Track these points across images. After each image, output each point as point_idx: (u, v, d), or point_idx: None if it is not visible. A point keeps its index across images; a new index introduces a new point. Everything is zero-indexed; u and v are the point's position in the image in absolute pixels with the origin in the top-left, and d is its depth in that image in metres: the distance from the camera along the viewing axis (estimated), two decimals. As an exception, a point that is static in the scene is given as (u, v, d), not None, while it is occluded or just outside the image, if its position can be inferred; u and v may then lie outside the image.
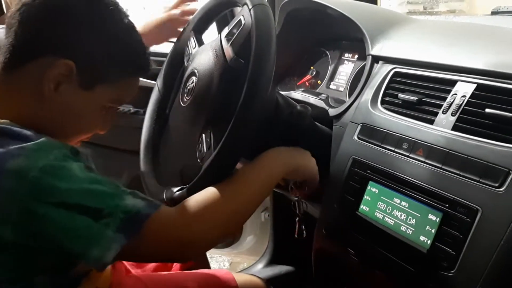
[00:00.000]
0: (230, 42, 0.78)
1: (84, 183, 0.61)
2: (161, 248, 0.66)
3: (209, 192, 0.70)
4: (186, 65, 0.93)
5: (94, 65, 0.68)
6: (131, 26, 0.73)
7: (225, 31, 0.83)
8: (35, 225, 0.58)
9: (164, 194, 0.79)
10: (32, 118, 0.66)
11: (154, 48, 1.53)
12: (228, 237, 0.76)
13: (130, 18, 0.73)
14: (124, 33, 0.71)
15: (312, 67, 1.20)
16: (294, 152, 0.82)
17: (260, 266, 1.60)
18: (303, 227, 0.90)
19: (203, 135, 0.78)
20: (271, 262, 1.58)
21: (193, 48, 0.94)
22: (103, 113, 0.73)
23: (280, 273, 1.52)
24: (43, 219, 0.58)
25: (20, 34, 0.65)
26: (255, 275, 1.09)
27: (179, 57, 0.97)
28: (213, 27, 1.02)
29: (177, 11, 1.15)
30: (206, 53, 0.86)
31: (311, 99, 1.05)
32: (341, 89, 1.10)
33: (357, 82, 0.98)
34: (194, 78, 0.86)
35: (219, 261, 2.09)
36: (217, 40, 0.84)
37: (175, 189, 0.78)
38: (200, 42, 0.95)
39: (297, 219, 0.91)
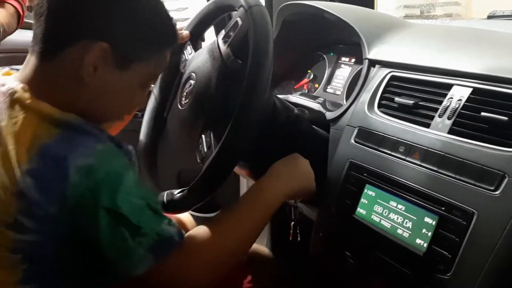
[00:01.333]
0: (227, 43, 0.79)
1: (135, 197, 0.64)
2: (174, 278, 0.69)
3: (214, 232, 0.73)
4: (182, 71, 0.94)
5: (127, 44, 0.67)
6: None
7: (222, 33, 0.83)
8: (82, 221, 0.61)
9: (165, 197, 0.79)
10: (75, 104, 0.66)
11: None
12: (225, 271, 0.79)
13: None
14: (152, 7, 0.70)
15: (309, 71, 1.21)
16: (292, 173, 0.83)
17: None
18: (298, 231, 0.90)
19: (203, 136, 0.78)
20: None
21: (190, 54, 0.94)
22: (141, 91, 0.73)
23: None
24: (92, 218, 0.60)
25: (51, 22, 0.65)
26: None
27: (175, 64, 0.97)
28: (212, 34, 1.02)
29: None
30: (203, 57, 0.86)
31: (308, 103, 1.06)
32: (338, 92, 1.11)
33: (354, 85, 0.98)
34: (192, 82, 0.86)
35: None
36: (214, 43, 0.84)
37: (175, 192, 0.78)
38: (196, 48, 0.96)
39: (292, 224, 0.91)
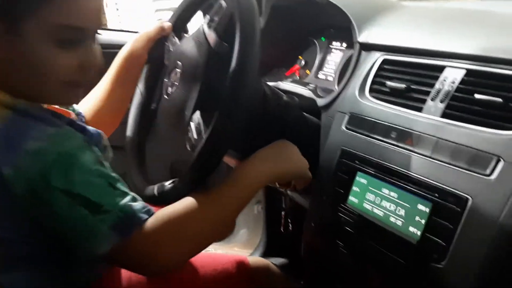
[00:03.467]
0: (213, 27, 0.76)
1: (93, 176, 0.62)
2: (137, 257, 0.66)
3: (182, 208, 0.69)
4: (167, 63, 0.91)
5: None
6: None
7: (206, 19, 0.81)
8: (37, 205, 0.60)
9: (155, 190, 0.77)
10: (18, 89, 0.64)
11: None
12: (196, 254, 0.75)
13: None
14: None
15: (300, 57, 1.18)
16: (277, 156, 0.79)
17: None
18: (289, 220, 0.88)
19: (192, 123, 0.76)
20: (265, 254, 1.57)
21: (174, 45, 0.92)
22: (63, 52, 0.64)
23: (274, 269, 1.50)
24: (46, 202, 0.60)
25: None
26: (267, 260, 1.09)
27: (159, 57, 0.94)
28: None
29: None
30: (187, 44, 0.84)
31: (299, 90, 1.03)
32: (330, 78, 1.08)
33: (345, 71, 0.95)
34: (177, 70, 0.84)
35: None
36: (198, 29, 0.82)
37: (166, 183, 0.76)
38: (181, 39, 0.93)
39: (283, 213, 0.89)
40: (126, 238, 0.62)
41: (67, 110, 0.80)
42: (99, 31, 0.71)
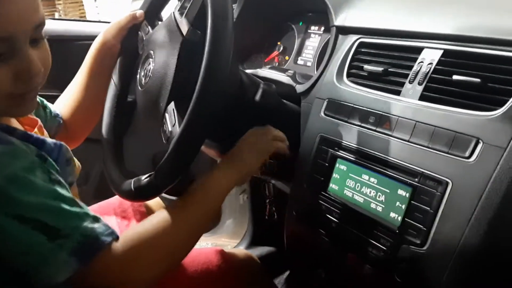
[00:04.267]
0: (184, 14, 0.74)
1: (47, 198, 0.57)
2: (104, 282, 0.62)
3: (152, 226, 0.67)
4: (141, 52, 0.88)
5: None
6: None
7: (177, 5, 0.78)
8: None
9: (132, 185, 0.75)
10: None
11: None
12: (170, 270, 0.73)
13: None
14: None
15: (279, 43, 1.16)
16: (246, 152, 0.77)
17: (241, 248, 1.58)
18: (274, 208, 0.87)
19: (166, 114, 0.73)
20: (252, 243, 1.56)
21: (147, 34, 0.89)
22: None
23: (261, 254, 1.50)
24: None
25: None
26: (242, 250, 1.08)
27: (133, 47, 0.92)
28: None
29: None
30: (159, 33, 0.81)
31: (278, 76, 1.01)
32: (309, 64, 1.06)
33: (324, 56, 0.93)
34: (150, 60, 0.81)
35: (201, 245, 2.07)
36: (170, 17, 0.79)
37: (142, 177, 0.74)
38: (154, 27, 0.90)
39: (267, 201, 0.87)
40: (87, 264, 0.58)
41: (33, 117, 0.75)
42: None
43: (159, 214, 0.69)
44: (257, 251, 1.51)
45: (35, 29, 0.59)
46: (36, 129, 0.71)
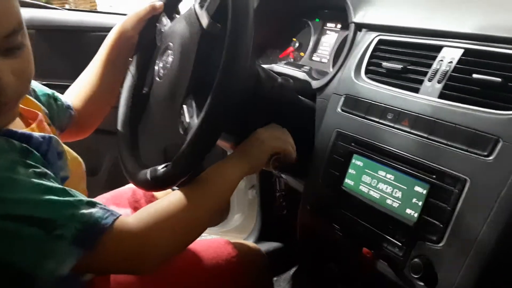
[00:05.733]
0: (204, 7, 0.74)
1: (34, 192, 0.55)
2: (119, 261, 0.63)
3: (167, 202, 0.68)
4: (159, 44, 0.89)
5: None
6: None
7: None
8: None
9: (148, 174, 0.76)
10: None
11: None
12: (183, 249, 0.75)
13: None
14: None
15: (294, 39, 1.16)
16: (257, 148, 0.78)
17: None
18: (284, 203, 0.87)
19: (184, 106, 0.74)
20: (260, 239, 1.56)
21: (165, 26, 0.89)
22: None
23: (268, 249, 1.50)
24: None
25: None
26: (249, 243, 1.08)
27: (151, 38, 0.92)
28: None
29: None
30: (179, 25, 0.82)
31: (294, 72, 1.01)
32: (325, 60, 1.07)
33: (340, 52, 0.94)
34: (169, 52, 0.82)
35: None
36: (190, 9, 0.80)
37: (159, 167, 0.75)
38: (172, 19, 0.91)
39: (277, 195, 0.88)
40: (91, 249, 0.58)
41: (34, 111, 0.73)
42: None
43: (174, 194, 0.70)
44: (265, 246, 1.52)
45: (6, 39, 0.54)
46: (34, 124, 0.70)
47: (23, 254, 0.54)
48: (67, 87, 0.97)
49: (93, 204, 0.60)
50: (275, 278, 1.42)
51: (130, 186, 1.07)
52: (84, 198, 0.60)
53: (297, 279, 1.34)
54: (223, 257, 0.94)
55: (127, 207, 1.01)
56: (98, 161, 1.59)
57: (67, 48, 1.54)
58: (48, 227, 0.55)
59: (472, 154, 0.61)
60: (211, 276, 0.91)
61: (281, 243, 1.52)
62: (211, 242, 0.97)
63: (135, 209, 1.02)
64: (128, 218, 0.64)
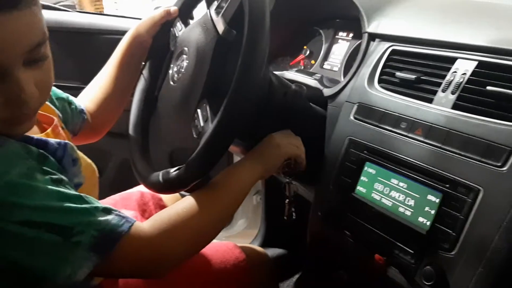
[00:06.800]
0: (221, 13, 0.76)
1: (52, 199, 0.56)
2: (134, 266, 0.64)
3: (181, 208, 0.69)
4: (173, 48, 0.90)
5: None
6: None
7: (214, 5, 0.80)
8: None
9: (160, 176, 0.77)
10: None
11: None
12: (196, 254, 0.76)
13: None
14: None
15: (305, 47, 1.18)
16: (271, 152, 0.79)
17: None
18: (293, 209, 0.88)
19: (199, 110, 0.75)
20: (263, 245, 1.57)
21: (180, 31, 0.91)
22: None
23: (272, 255, 1.51)
24: (2, 239, 0.53)
25: None
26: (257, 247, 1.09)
27: (164, 43, 0.93)
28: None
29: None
30: (194, 30, 0.83)
31: (305, 79, 1.03)
32: (335, 68, 1.08)
33: (351, 61, 0.95)
34: (184, 56, 0.83)
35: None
36: (205, 15, 0.81)
37: (171, 170, 0.75)
38: (186, 25, 0.92)
39: (286, 201, 0.89)
40: (108, 256, 0.58)
41: (49, 115, 0.74)
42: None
43: (187, 199, 0.71)
44: (269, 252, 1.52)
45: (31, 52, 0.54)
46: (49, 129, 0.71)
47: (40, 259, 0.55)
48: (75, 88, 0.98)
49: (109, 211, 0.61)
50: (280, 284, 1.42)
51: (139, 188, 1.08)
52: (100, 205, 0.61)
53: (302, 286, 1.34)
54: (231, 262, 0.95)
55: (135, 209, 1.01)
56: (104, 163, 1.60)
57: (76, 49, 1.55)
58: (66, 234, 0.55)
59: (486, 165, 0.62)
60: (218, 279, 0.92)
61: (285, 250, 1.52)
62: (219, 245, 0.98)
63: (143, 211, 1.02)
64: (143, 224, 0.65)
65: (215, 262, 0.93)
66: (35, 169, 0.57)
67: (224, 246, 0.98)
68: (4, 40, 0.51)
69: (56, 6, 1.72)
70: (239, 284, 0.95)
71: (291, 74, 1.07)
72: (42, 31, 0.55)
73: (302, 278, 1.38)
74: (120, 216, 0.62)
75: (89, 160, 0.75)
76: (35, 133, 0.68)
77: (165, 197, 1.09)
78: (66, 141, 0.68)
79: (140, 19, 0.99)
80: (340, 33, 1.10)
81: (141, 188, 1.07)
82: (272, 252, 1.52)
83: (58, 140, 0.66)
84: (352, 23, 1.01)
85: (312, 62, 1.14)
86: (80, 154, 0.72)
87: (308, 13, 1.17)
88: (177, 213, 0.68)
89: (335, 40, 1.11)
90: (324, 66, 1.11)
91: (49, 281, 0.56)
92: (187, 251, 0.70)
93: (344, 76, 1.02)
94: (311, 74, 1.04)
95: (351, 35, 1.07)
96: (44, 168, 0.58)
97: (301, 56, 1.16)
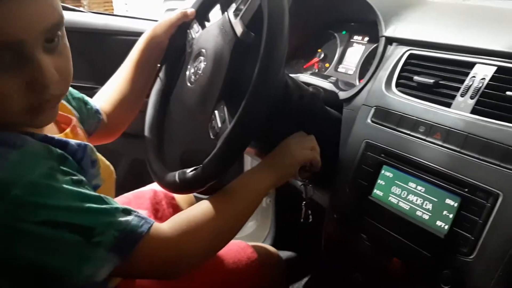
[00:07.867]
0: (239, 16, 0.76)
1: (74, 200, 0.56)
2: (153, 267, 0.64)
3: (199, 211, 0.70)
4: (190, 50, 0.91)
5: None
6: None
7: (232, 7, 0.81)
8: (13, 244, 0.53)
9: (176, 177, 0.77)
10: None
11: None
12: (213, 256, 0.77)
13: None
14: None
15: (319, 50, 1.18)
16: (286, 160, 0.79)
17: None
18: (309, 211, 0.88)
19: (216, 111, 0.76)
20: (273, 246, 1.57)
21: (197, 32, 0.91)
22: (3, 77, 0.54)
23: (283, 257, 1.51)
24: (23, 239, 0.53)
25: None
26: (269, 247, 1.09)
27: (181, 44, 0.94)
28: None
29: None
30: (212, 32, 0.84)
31: (320, 82, 1.03)
32: (350, 72, 1.08)
33: (367, 65, 0.95)
34: (201, 58, 0.84)
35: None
36: (223, 18, 0.82)
37: (188, 170, 0.76)
38: (203, 26, 0.93)
39: (303, 204, 0.89)
40: (128, 257, 0.59)
41: (68, 115, 0.75)
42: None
43: (205, 203, 0.72)
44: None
45: (50, 30, 0.55)
46: (68, 129, 0.71)
47: (61, 259, 0.55)
48: (89, 88, 0.98)
49: (128, 212, 0.61)
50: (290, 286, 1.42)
51: (152, 186, 1.09)
52: (120, 205, 0.61)
53: (313, 288, 1.34)
54: (243, 261, 0.95)
55: (148, 208, 1.02)
56: (115, 162, 1.61)
57: (90, 50, 1.56)
58: (87, 234, 0.56)
59: (505, 169, 0.63)
60: (230, 279, 0.92)
61: (295, 252, 1.52)
62: (231, 244, 0.98)
63: (156, 210, 1.03)
64: (162, 225, 0.66)
65: (228, 262, 0.94)
66: (56, 170, 0.57)
67: (236, 246, 0.98)
68: (25, 18, 0.51)
69: (70, 6, 1.74)
70: (251, 284, 0.95)
71: (306, 77, 1.08)
72: (60, 13, 0.56)
73: (313, 281, 1.38)
74: (139, 217, 0.62)
75: (107, 162, 0.76)
76: (53, 132, 0.69)
77: (178, 197, 1.10)
78: (86, 142, 0.68)
79: (154, 20, 1.00)
80: (355, 37, 1.11)
81: (154, 186, 1.08)
82: (282, 254, 1.52)
83: (78, 141, 0.67)
84: (368, 27, 1.01)
85: (326, 65, 1.15)
86: (99, 156, 0.73)
87: (324, 17, 1.18)
88: (195, 216, 0.69)
89: (350, 44, 1.12)
90: (339, 70, 1.11)
91: (70, 281, 0.57)
92: (204, 253, 0.71)
93: (360, 80, 1.02)
94: (326, 77, 1.04)
95: (366, 39, 1.08)
96: (65, 169, 0.59)
97: (315, 59, 1.17)
